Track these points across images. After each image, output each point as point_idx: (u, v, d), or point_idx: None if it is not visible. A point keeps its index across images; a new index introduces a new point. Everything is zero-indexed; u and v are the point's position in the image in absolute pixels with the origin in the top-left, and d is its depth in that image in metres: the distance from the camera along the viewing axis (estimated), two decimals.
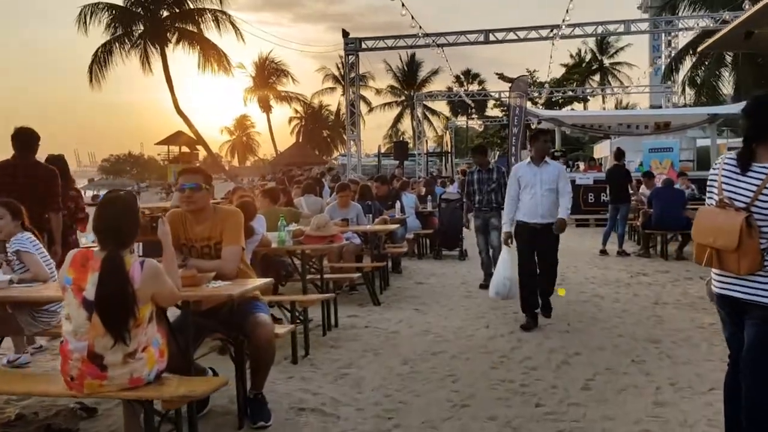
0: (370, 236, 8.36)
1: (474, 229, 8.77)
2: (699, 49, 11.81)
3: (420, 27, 17.53)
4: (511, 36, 19.29)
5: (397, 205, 10.36)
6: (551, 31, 18.55)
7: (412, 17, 16.51)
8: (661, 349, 5.60)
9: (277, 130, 63.84)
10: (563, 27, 16.94)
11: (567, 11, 14.92)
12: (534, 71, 44.27)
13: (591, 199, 16.67)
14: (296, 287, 6.68)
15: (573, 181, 6.75)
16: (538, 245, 6.37)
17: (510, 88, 24.14)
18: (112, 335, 3.00)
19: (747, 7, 15.19)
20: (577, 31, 18.92)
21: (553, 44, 19.77)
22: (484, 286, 8.11)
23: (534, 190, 6.32)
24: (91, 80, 30.58)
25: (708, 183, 3.27)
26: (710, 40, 9.40)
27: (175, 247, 4.01)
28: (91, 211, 5.49)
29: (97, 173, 68.72)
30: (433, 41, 19.43)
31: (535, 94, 41.38)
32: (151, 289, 3.09)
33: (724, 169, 3.17)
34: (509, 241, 6.49)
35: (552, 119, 19.63)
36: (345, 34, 20.32)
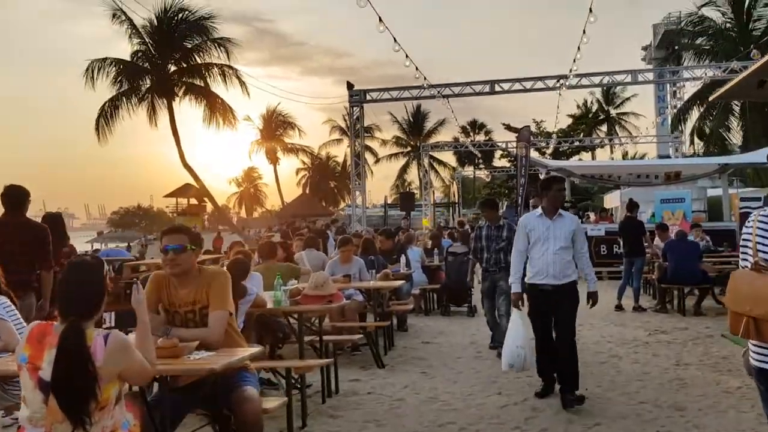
0: (374, 293, 8.00)
1: (480, 290, 8.03)
2: (710, 98, 11.60)
3: (425, 78, 17.50)
4: (517, 86, 19.24)
5: (402, 259, 10.01)
6: (557, 81, 18.49)
7: (417, 68, 16.49)
8: (687, 417, 5.15)
9: (284, 181, 64.09)
10: (570, 77, 16.84)
11: (574, 60, 14.83)
12: (541, 121, 44.46)
13: (604, 251, 16.25)
14: (295, 348, 6.29)
15: (584, 233, 6.13)
16: (550, 309, 5.60)
17: (516, 138, 24.04)
18: (71, 421, 2.63)
19: (756, 56, 15.05)
20: (584, 81, 18.85)
21: (560, 94, 19.72)
22: (493, 347, 7.67)
23: (545, 246, 5.56)
24: (98, 135, 30.73)
25: (741, 243, 2.91)
26: (722, 90, 9.18)
27: (157, 312, 3.71)
28: None
29: (106, 226, 68.92)
30: (438, 92, 19.41)
31: (543, 144, 41.39)
32: (118, 366, 2.74)
33: (758, 227, 2.79)
34: (520, 303, 5.80)
35: (561, 169, 19.38)
36: (350, 86, 20.36)
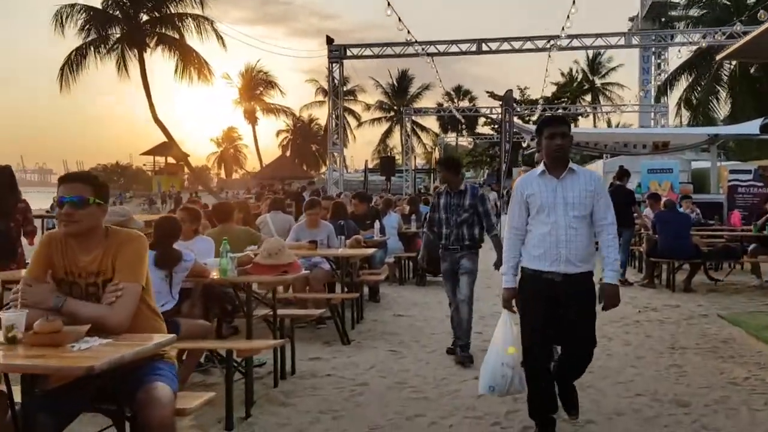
0: (342, 261, 7.23)
1: (442, 273, 6.21)
2: (718, 57, 10.79)
3: (408, 32, 16.46)
4: (506, 46, 18.25)
5: (376, 225, 9.23)
6: (548, 41, 17.55)
7: (399, 19, 15.47)
8: (693, 415, 4.46)
9: (266, 143, 63.03)
10: (562, 37, 15.93)
11: (568, 17, 13.92)
12: (525, 88, 43.61)
13: None
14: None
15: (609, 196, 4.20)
16: (561, 307, 3.84)
17: (501, 104, 23.26)
18: None
19: (763, 17, 14.25)
20: (575, 42, 17.93)
21: (549, 56, 18.77)
22: (452, 350, 6.06)
23: (553, 217, 3.82)
24: (61, 84, 29.24)
25: None
26: (732, 47, 8.37)
27: (45, 280, 2.91)
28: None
29: None
30: (423, 49, 18.36)
31: (527, 112, 40.65)
32: None
33: None
34: (512, 303, 4.00)
35: None
36: (329, 40, 19.23)
